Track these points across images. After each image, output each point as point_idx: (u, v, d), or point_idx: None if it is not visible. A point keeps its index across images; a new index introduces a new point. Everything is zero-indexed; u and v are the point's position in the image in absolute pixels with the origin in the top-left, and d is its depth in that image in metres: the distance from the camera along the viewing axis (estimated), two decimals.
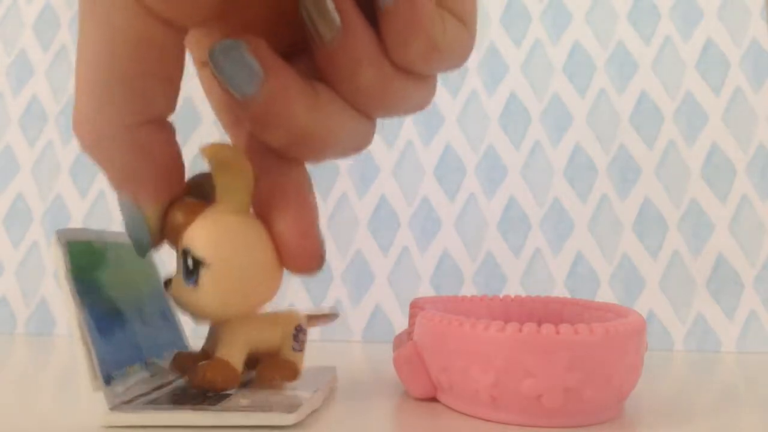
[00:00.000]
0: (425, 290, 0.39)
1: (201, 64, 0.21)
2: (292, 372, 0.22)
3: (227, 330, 0.21)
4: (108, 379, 0.19)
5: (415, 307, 0.26)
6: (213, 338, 0.22)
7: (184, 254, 0.19)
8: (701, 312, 0.38)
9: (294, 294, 0.39)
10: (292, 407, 0.19)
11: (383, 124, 0.40)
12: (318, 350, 0.35)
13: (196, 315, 0.20)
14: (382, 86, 0.18)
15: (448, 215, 0.40)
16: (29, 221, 0.41)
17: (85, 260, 0.20)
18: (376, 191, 0.40)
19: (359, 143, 0.20)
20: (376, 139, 0.40)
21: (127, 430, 0.19)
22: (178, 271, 0.20)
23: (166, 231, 0.19)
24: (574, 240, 0.39)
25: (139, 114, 0.17)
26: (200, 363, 0.20)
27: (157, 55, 0.17)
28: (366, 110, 0.19)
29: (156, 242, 0.19)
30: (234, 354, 0.21)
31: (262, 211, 0.20)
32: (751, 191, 0.39)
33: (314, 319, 0.26)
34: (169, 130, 0.19)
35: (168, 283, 0.20)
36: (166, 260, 0.39)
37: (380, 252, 0.39)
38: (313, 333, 0.38)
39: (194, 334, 0.39)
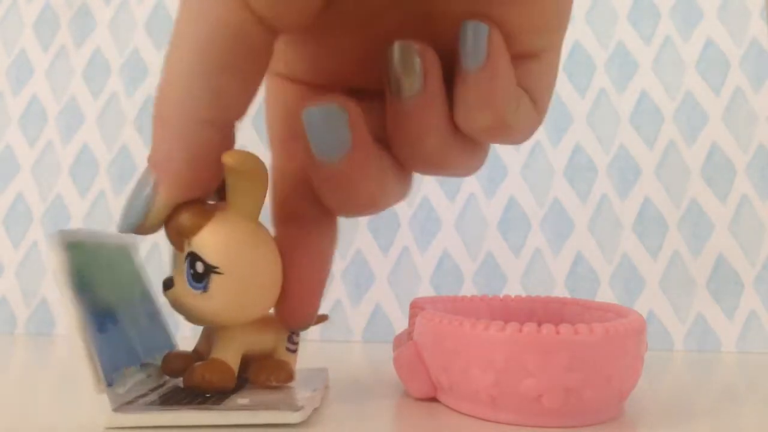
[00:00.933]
0: (425, 290, 0.39)
1: (273, 73, 0.21)
2: (287, 373, 0.22)
3: (223, 331, 0.21)
4: (110, 381, 0.19)
5: (415, 307, 0.26)
6: (207, 339, 0.22)
7: (192, 258, 0.19)
8: (701, 312, 0.38)
9: None
10: (297, 406, 0.20)
11: None
12: (318, 350, 0.35)
13: (200, 319, 0.20)
14: (443, 153, 0.18)
15: (448, 215, 0.40)
16: (29, 221, 0.41)
17: (82, 261, 0.20)
18: None
19: (399, 200, 0.20)
20: None
21: (131, 430, 0.19)
22: (179, 273, 0.19)
23: (169, 229, 0.19)
24: (574, 240, 0.39)
25: (214, 110, 0.17)
26: (196, 363, 0.21)
27: (246, 54, 0.16)
28: (417, 171, 0.19)
29: (144, 231, 0.19)
30: (230, 355, 0.21)
31: (282, 255, 0.20)
32: (751, 191, 0.39)
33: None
34: (230, 141, 0.18)
35: (168, 283, 0.20)
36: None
37: (380, 252, 0.39)
38: (313, 333, 0.38)
39: (194, 334, 0.39)
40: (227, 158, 0.18)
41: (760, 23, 0.40)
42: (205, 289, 0.19)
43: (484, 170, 0.40)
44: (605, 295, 0.38)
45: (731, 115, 0.40)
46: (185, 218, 0.19)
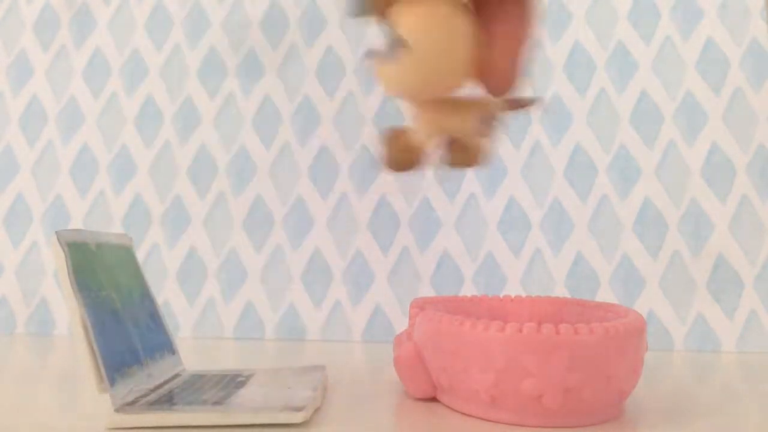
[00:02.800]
0: (425, 290, 0.39)
1: None
2: (472, 157, 0.22)
3: (418, 113, 0.21)
4: (112, 381, 0.19)
5: (415, 307, 0.26)
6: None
7: (390, 28, 0.20)
8: (701, 312, 0.38)
9: (294, 293, 0.39)
10: (298, 406, 0.20)
11: (383, 128, 0.40)
12: (318, 350, 0.35)
13: (388, 86, 0.20)
14: None
15: (448, 215, 0.40)
16: (29, 221, 0.41)
17: (83, 261, 0.20)
18: (376, 191, 0.40)
19: None
20: (377, 139, 0.40)
21: (132, 431, 0.19)
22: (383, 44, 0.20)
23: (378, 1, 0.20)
24: (574, 240, 0.39)
25: None
26: (388, 136, 0.21)
27: None
28: None
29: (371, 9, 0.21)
30: (420, 135, 0.21)
31: (483, 25, 0.20)
32: (751, 191, 0.39)
33: (511, 103, 0.24)
34: None
35: (369, 53, 0.21)
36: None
37: (380, 252, 0.39)
38: (313, 333, 0.39)
39: (194, 334, 0.39)
40: None
41: (760, 23, 0.40)
42: (392, 56, 0.19)
43: (485, 170, 0.40)
44: (605, 295, 0.38)
45: (731, 115, 0.40)
46: None
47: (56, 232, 0.19)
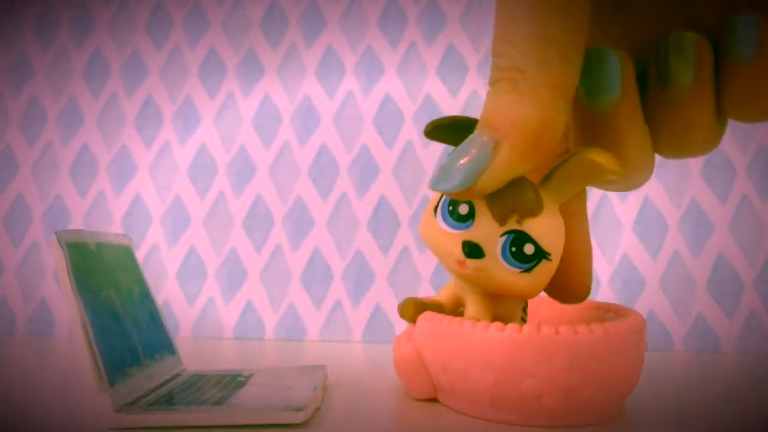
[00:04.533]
0: (425, 290, 0.39)
1: None
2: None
3: (481, 298, 0.22)
4: (112, 381, 0.19)
5: None
6: (453, 297, 0.23)
7: (519, 237, 0.19)
8: (701, 312, 0.38)
9: (294, 293, 0.39)
10: (298, 406, 0.20)
11: (382, 128, 0.40)
12: (318, 350, 0.35)
13: (497, 289, 0.20)
14: (704, 140, 0.18)
15: None
16: (29, 221, 0.41)
17: (83, 261, 0.20)
18: (376, 191, 0.40)
19: (646, 178, 0.20)
20: (376, 139, 0.40)
21: (133, 431, 0.19)
22: (492, 244, 0.19)
23: (501, 200, 0.19)
24: None
25: (563, 77, 0.17)
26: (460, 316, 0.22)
27: (582, 14, 0.17)
28: (663, 154, 0.19)
29: (472, 193, 0.18)
30: (483, 316, 0.22)
31: (572, 248, 0.21)
32: (751, 191, 0.39)
33: None
34: (567, 117, 0.19)
35: (477, 252, 0.19)
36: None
37: (380, 252, 0.39)
38: (313, 333, 0.39)
39: (194, 335, 0.39)
40: (606, 161, 0.18)
41: None
42: (528, 270, 0.19)
43: None
44: (605, 295, 0.38)
45: None
46: (533, 197, 0.19)
47: (56, 232, 0.19)
